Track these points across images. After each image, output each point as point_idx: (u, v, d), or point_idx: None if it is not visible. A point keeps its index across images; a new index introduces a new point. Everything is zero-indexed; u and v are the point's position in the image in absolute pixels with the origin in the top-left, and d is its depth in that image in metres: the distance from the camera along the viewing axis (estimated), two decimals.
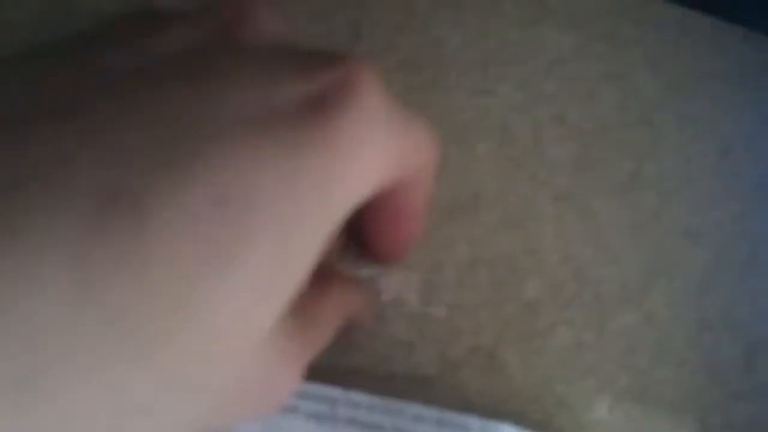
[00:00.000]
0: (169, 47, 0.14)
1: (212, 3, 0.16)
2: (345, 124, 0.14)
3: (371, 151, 0.15)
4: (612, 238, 0.24)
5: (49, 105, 0.12)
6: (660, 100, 0.26)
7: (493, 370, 0.22)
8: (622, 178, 0.25)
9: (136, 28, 0.14)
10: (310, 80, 0.14)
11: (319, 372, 0.20)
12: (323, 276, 0.17)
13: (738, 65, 0.27)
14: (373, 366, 0.21)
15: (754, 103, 0.27)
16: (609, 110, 0.26)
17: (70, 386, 0.11)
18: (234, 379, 0.13)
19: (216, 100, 0.13)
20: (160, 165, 0.11)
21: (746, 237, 0.25)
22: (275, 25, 0.15)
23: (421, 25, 0.26)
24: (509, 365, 0.22)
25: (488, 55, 0.26)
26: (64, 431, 0.11)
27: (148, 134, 0.12)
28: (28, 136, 0.11)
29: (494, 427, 0.19)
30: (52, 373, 0.10)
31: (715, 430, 0.22)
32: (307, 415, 0.18)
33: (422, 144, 0.17)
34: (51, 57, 0.14)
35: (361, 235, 0.21)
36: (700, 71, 0.27)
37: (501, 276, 0.23)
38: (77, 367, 0.11)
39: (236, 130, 0.12)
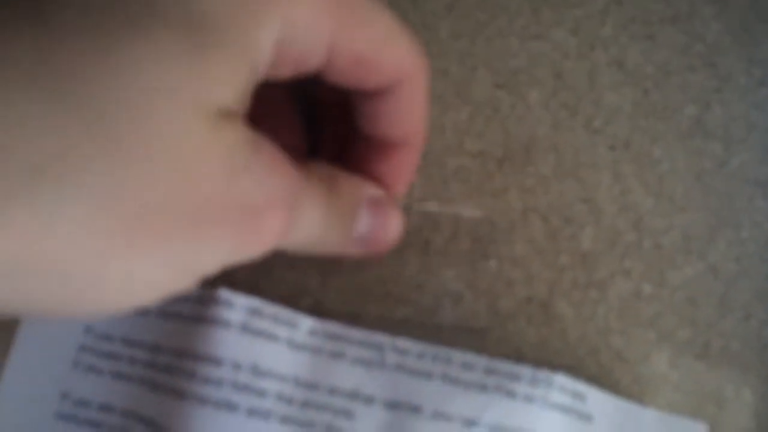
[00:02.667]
0: None
1: None
2: None
3: None
4: (674, 188, 0.23)
5: None
6: (725, 42, 0.25)
7: (546, 322, 0.21)
8: (685, 125, 0.24)
9: None
10: None
11: (365, 323, 0.19)
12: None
13: None
14: (420, 318, 0.21)
15: None
16: (670, 53, 0.24)
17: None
18: (173, 152, 0.13)
19: None
20: None
21: None
22: None
23: None
24: (564, 317, 0.21)
25: None
26: None
27: None
28: None
29: (545, 377, 0.19)
30: None
31: None
32: (354, 361, 0.18)
33: (399, 40, 0.17)
34: None
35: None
36: (767, 11, 0.25)
37: (555, 226, 0.22)
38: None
39: None
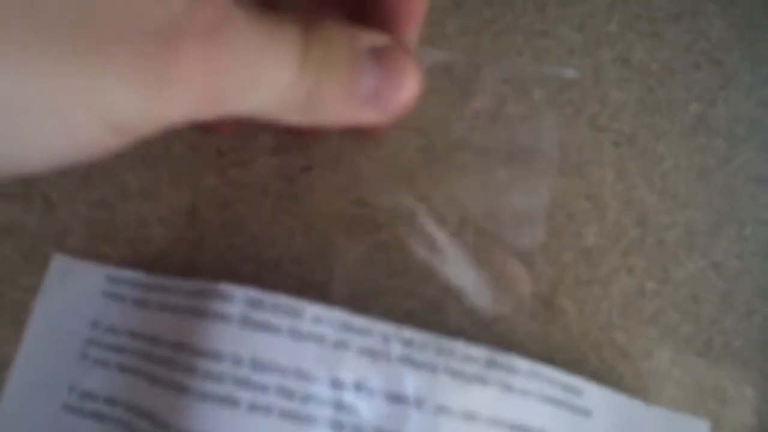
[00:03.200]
0: None
1: None
2: None
3: None
4: (678, 184, 0.23)
5: None
6: (729, 40, 0.25)
7: (550, 318, 0.21)
8: (689, 122, 0.24)
9: None
10: None
11: (371, 316, 0.20)
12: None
13: None
14: (425, 311, 0.21)
15: None
16: (675, 50, 0.24)
17: None
18: None
19: None
20: None
21: None
22: None
23: None
24: (567, 312, 0.22)
25: None
26: None
27: None
28: None
29: (541, 370, 0.19)
30: None
31: None
32: (360, 351, 0.18)
33: None
34: None
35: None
36: None
37: (559, 222, 0.22)
38: None
39: None
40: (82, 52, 0.11)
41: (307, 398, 0.17)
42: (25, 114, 0.11)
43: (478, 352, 0.18)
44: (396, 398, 0.18)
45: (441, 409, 0.18)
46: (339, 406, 0.17)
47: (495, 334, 0.21)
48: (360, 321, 0.18)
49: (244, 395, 0.17)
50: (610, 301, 0.22)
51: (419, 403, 0.18)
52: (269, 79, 0.13)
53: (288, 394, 0.17)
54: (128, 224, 0.21)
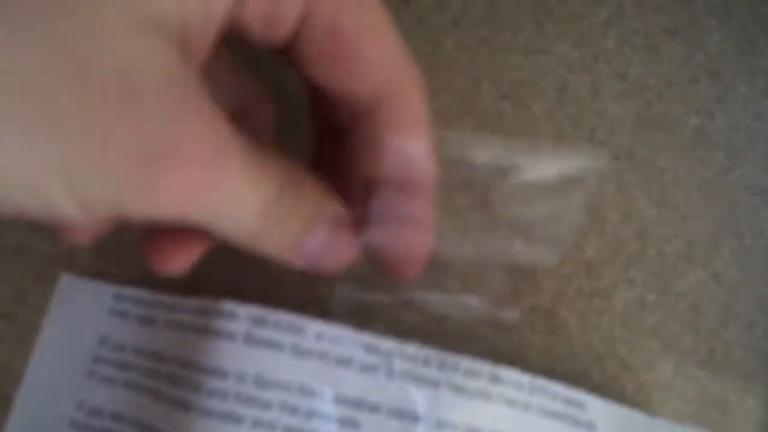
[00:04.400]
0: None
1: None
2: None
3: None
4: (677, 197, 0.23)
5: None
6: (726, 53, 0.25)
7: (552, 330, 0.22)
8: (688, 135, 0.24)
9: None
10: None
11: (373, 331, 0.20)
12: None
13: None
14: (427, 325, 0.21)
15: None
16: (673, 64, 0.25)
17: None
18: (115, 63, 0.12)
19: None
20: None
21: None
22: None
23: None
24: (569, 325, 0.22)
25: (543, 12, 0.25)
26: None
27: None
28: None
29: (542, 385, 0.19)
30: None
31: None
32: (363, 367, 0.18)
33: (388, 36, 0.15)
34: None
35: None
36: None
37: None
38: None
39: None
40: (72, 144, 0.12)
41: (310, 414, 0.17)
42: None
43: (482, 366, 0.19)
44: (399, 414, 0.18)
45: (444, 424, 0.18)
46: (342, 422, 0.18)
47: (496, 347, 0.21)
48: (362, 337, 0.18)
49: (248, 412, 0.17)
50: (611, 314, 0.22)
51: (422, 418, 0.18)
52: (237, 210, 0.15)
53: (291, 410, 0.17)
54: (134, 244, 0.22)
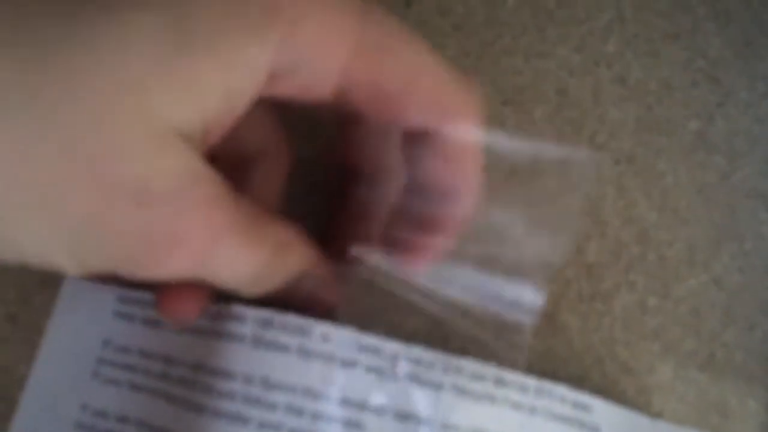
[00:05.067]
0: None
1: None
2: None
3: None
4: (678, 201, 0.23)
5: None
6: (727, 57, 0.25)
7: (553, 333, 0.22)
8: (688, 139, 0.24)
9: None
10: None
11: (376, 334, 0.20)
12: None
13: None
14: (428, 329, 0.21)
15: None
16: (673, 69, 0.25)
17: None
18: (132, 170, 0.13)
19: None
20: None
21: None
22: None
23: None
24: (569, 328, 0.22)
25: (544, 16, 0.25)
26: None
27: None
28: None
29: (549, 388, 0.19)
30: None
31: None
32: (368, 369, 0.18)
33: (435, 74, 0.16)
34: None
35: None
36: None
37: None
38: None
39: None
40: (89, 214, 0.13)
41: (316, 416, 0.17)
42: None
43: (486, 369, 0.19)
44: (404, 416, 0.18)
45: (449, 427, 0.18)
46: (347, 424, 0.18)
47: (499, 350, 0.21)
48: (368, 339, 0.18)
49: (255, 413, 0.17)
50: (612, 317, 0.22)
51: (427, 421, 0.18)
52: (234, 271, 0.16)
53: (297, 412, 0.17)
54: None
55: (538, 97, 0.24)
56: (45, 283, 0.21)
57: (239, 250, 0.15)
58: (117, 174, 0.13)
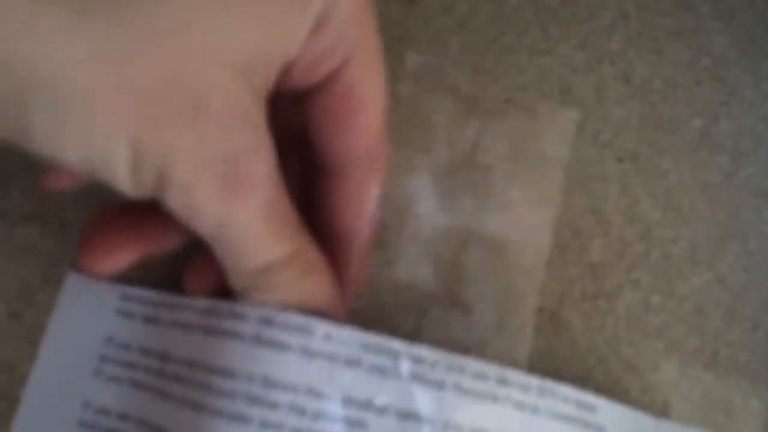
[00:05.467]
0: None
1: None
2: None
3: None
4: (682, 199, 0.23)
5: None
6: (731, 56, 0.25)
7: (556, 332, 0.22)
8: (692, 138, 0.24)
9: None
10: None
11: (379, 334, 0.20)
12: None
13: None
14: (430, 329, 0.21)
15: None
16: (677, 67, 0.25)
17: None
18: (190, 91, 0.14)
19: None
20: None
21: None
22: None
23: None
24: (573, 327, 0.22)
25: (548, 14, 0.25)
26: None
27: None
28: None
29: (555, 388, 0.19)
30: None
31: None
32: (371, 368, 0.18)
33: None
34: None
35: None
36: None
37: (564, 237, 0.23)
38: None
39: None
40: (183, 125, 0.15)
41: (318, 416, 0.17)
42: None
43: (489, 369, 0.19)
44: (406, 415, 0.18)
45: (451, 427, 0.18)
46: (350, 423, 0.18)
47: (501, 350, 0.21)
48: (370, 338, 0.18)
49: (256, 412, 0.17)
50: (616, 315, 0.22)
51: (429, 420, 0.18)
52: (244, 250, 0.17)
53: (299, 411, 0.17)
54: None
55: (541, 94, 0.24)
56: (48, 281, 0.21)
57: (264, 233, 0.16)
58: (174, 89, 0.14)
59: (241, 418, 0.17)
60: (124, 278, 0.21)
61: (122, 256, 0.19)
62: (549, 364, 0.21)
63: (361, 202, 0.19)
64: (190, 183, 0.15)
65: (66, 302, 0.21)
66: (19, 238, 0.22)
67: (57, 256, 0.22)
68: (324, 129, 0.18)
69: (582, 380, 0.21)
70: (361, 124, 0.18)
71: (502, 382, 0.19)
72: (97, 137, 0.14)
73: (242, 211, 0.16)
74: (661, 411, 0.21)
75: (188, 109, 0.14)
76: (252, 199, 0.16)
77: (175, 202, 0.15)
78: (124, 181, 0.15)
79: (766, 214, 0.23)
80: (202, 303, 0.19)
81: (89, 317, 0.21)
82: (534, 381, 0.19)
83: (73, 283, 0.21)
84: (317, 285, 0.18)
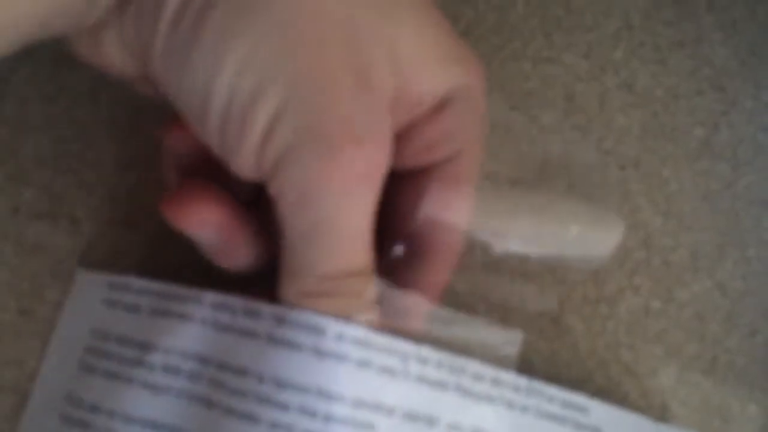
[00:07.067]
0: None
1: None
2: None
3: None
4: (682, 207, 0.24)
5: None
6: (732, 66, 0.25)
7: (557, 336, 0.22)
8: (693, 146, 0.24)
9: None
10: None
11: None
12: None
13: None
14: (430, 331, 0.22)
15: None
16: (679, 77, 0.25)
17: None
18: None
19: None
20: None
21: None
22: None
23: None
24: (574, 331, 0.22)
25: (553, 23, 0.25)
26: None
27: None
28: None
29: (542, 388, 0.19)
30: None
31: None
32: (381, 369, 0.18)
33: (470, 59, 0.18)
34: None
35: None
36: None
37: None
38: None
39: None
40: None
41: (328, 418, 0.17)
42: None
43: (486, 370, 0.19)
44: (414, 417, 0.18)
45: (453, 427, 0.18)
46: (360, 425, 0.17)
47: (501, 351, 0.22)
48: (380, 339, 0.18)
49: (266, 413, 0.17)
50: (616, 320, 0.22)
51: (435, 421, 0.18)
52: (326, 243, 0.17)
53: (310, 413, 0.17)
54: (151, 242, 0.22)
55: (545, 102, 0.25)
56: (58, 277, 0.22)
57: (364, 237, 0.17)
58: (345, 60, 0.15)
59: (251, 418, 0.17)
60: (140, 268, 0.21)
61: (212, 216, 0.18)
62: (550, 367, 0.22)
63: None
64: (320, 161, 0.15)
65: (75, 299, 0.21)
66: (29, 235, 0.22)
67: (67, 253, 0.22)
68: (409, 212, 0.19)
69: (582, 383, 0.21)
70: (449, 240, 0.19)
71: (496, 382, 0.19)
72: (244, 83, 0.15)
73: (355, 209, 0.16)
74: (660, 415, 0.21)
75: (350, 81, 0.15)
76: (367, 197, 0.16)
77: (292, 181, 0.16)
78: (254, 142, 0.15)
79: (766, 222, 0.24)
80: (215, 298, 0.19)
81: (93, 312, 0.21)
82: (523, 381, 0.19)
83: (82, 279, 0.21)
84: (370, 305, 0.18)
